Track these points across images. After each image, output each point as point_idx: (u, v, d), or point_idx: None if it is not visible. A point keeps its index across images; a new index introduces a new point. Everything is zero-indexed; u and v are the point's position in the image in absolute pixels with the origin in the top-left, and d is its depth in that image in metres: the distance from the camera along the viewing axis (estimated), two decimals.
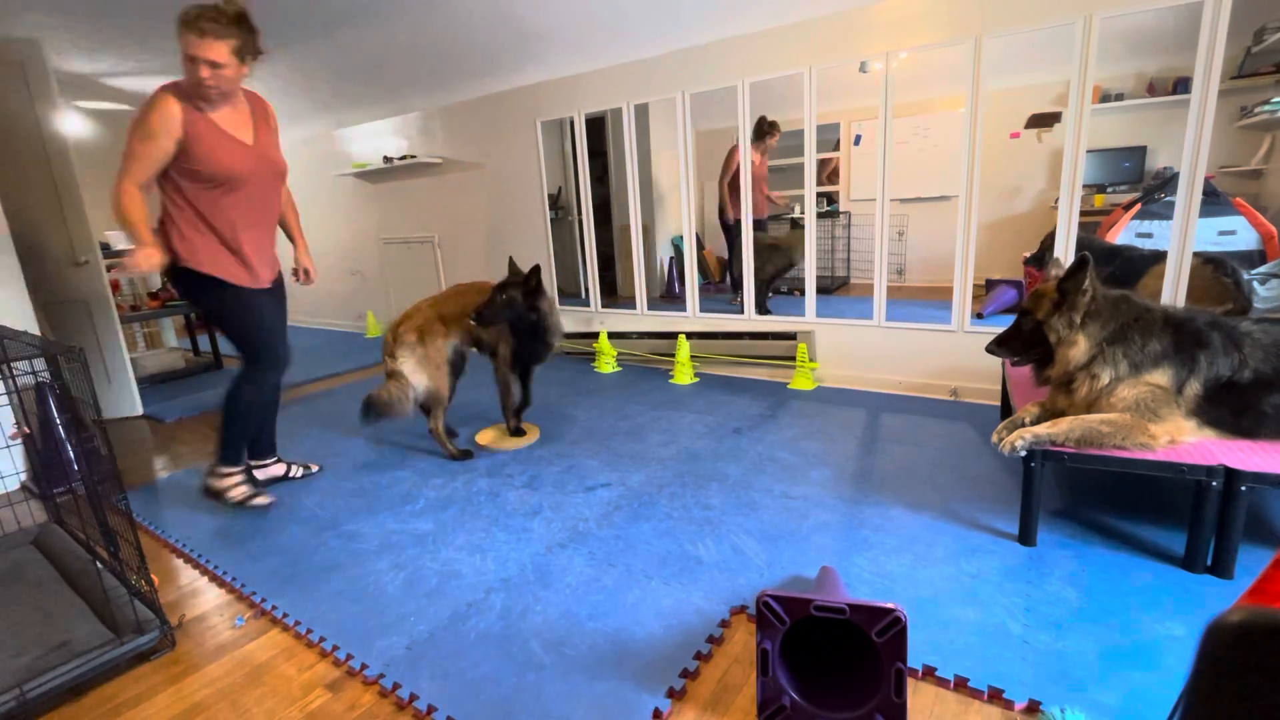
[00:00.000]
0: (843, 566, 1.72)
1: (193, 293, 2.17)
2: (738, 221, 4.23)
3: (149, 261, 1.99)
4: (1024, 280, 3.64)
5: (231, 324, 2.20)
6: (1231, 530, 1.53)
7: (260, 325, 2.20)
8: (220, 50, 1.92)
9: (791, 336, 3.48)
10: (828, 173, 5.37)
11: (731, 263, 4.40)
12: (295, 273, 2.48)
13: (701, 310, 3.84)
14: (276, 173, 2.26)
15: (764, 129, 4.05)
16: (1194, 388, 1.61)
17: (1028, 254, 3.52)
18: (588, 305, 4.34)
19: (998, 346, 1.86)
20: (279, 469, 2.54)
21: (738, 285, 4.14)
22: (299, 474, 2.57)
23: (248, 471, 2.37)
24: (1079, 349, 1.68)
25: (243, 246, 2.14)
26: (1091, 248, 2.88)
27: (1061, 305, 1.70)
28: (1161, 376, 1.62)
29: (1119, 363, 1.65)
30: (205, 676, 1.48)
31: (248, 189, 2.13)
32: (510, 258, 2.68)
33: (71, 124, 6.02)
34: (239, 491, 2.29)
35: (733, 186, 4.15)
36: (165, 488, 2.59)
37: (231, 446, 2.28)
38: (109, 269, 3.42)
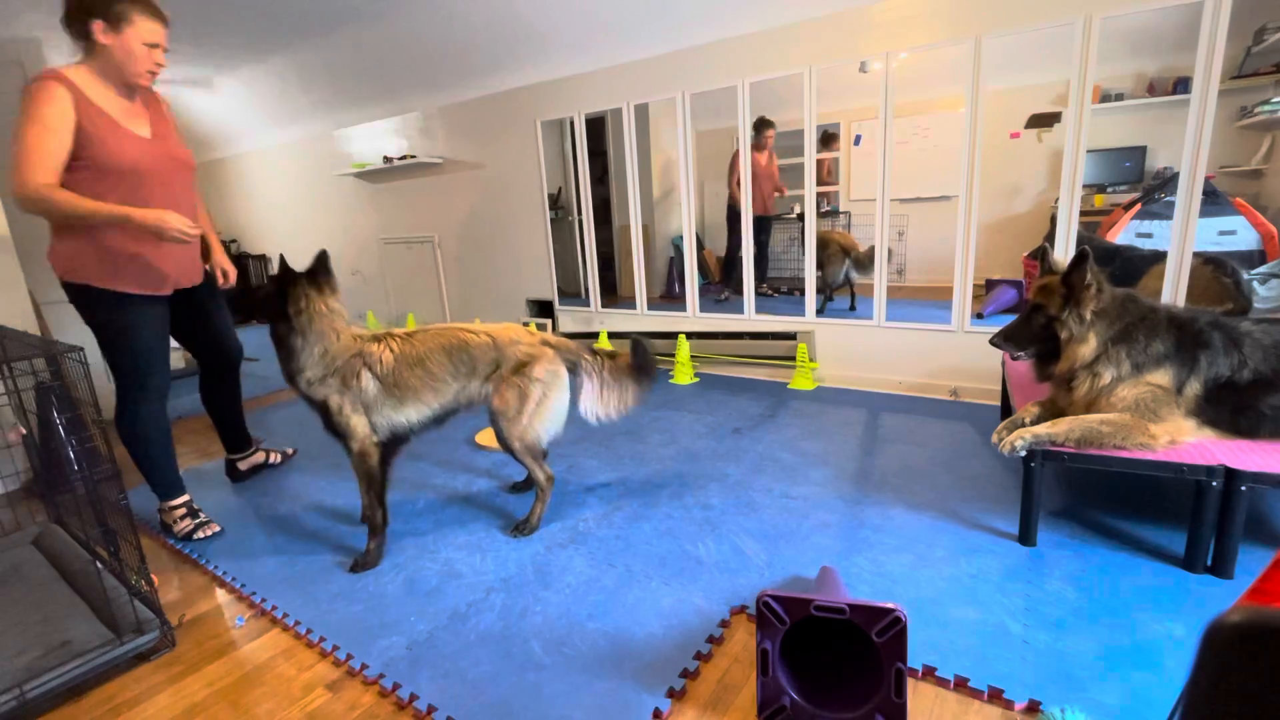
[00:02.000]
0: (843, 566, 1.72)
1: (90, 308, 1.95)
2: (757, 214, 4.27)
3: (184, 221, 1.80)
4: (1024, 280, 3.63)
5: (123, 341, 1.98)
6: (1231, 530, 1.53)
7: (151, 344, 2.01)
8: (165, 34, 1.87)
9: (791, 336, 3.48)
10: (824, 171, 5.37)
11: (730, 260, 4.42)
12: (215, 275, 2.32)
13: (701, 310, 3.84)
14: (183, 165, 2.04)
15: (756, 128, 4.06)
16: (1194, 388, 1.61)
17: (1028, 253, 3.52)
18: (588, 305, 4.34)
19: (1004, 340, 1.85)
20: (259, 457, 2.64)
21: (734, 282, 4.16)
22: (277, 459, 2.68)
23: (189, 505, 2.21)
24: (1089, 347, 1.68)
25: (151, 250, 1.93)
26: (1091, 247, 2.89)
27: (1069, 300, 1.69)
28: (1163, 377, 1.62)
29: (1122, 362, 1.64)
30: (205, 676, 1.48)
31: (150, 185, 1.90)
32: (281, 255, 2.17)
33: None
34: (181, 526, 2.15)
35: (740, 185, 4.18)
36: None
37: (157, 478, 2.14)
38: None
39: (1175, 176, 2.46)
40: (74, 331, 3.34)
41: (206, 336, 2.29)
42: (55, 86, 1.74)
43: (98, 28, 1.76)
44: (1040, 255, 1.88)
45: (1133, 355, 1.64)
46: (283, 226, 6.44)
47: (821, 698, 1.20)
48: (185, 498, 2.19)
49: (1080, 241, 2.67)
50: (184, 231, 1.79)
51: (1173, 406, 1.62)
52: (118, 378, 2.02)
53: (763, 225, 4.42)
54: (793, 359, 3.43)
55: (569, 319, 4.49)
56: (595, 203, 4.32)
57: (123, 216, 1.75)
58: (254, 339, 5.96)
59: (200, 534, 2.15)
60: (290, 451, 2.78)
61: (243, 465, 2.60)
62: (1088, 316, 1.68)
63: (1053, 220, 2.81)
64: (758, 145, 4.11)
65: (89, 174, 1.80)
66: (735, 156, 4.18)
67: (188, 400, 3.88)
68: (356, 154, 5.38)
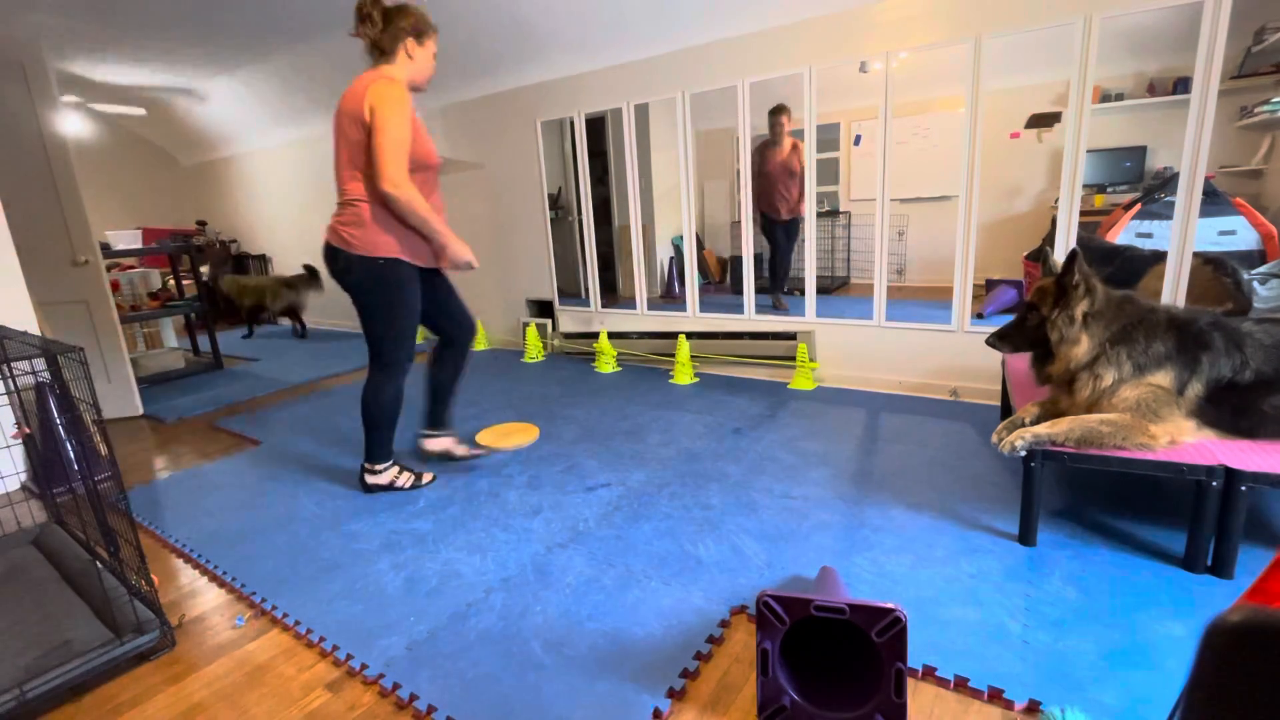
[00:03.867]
0: (843, 566, 1.72)
1: (374, 283, 2.13)
2: (778, 222, 4.13)
3: (470, 252, 2.17)
4: (1024, 280, 3.64)
5: (398, 313, 2.17)
6: (1231, 530, 1.53)
7: (416, 321, 2.25)
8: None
9: (791, 336, 3.48)
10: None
11: (775, 263, 4.29)
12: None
13: (701, 310, 3.84)
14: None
15: (770, 116, 3.90)
16: (1196, 389, 1.61)
17: (1028, 252, 3.52)
18: (588, 305, 4.34)
19: (998, 340, 1.85)
20: (448, 443, 2.56)
21: (779, 285, 4.10)
22: (464, 453, 2.59)
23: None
24: (1081, 348, 1.68)
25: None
26: (1091, 247, 2.89)
27: (1061, 301, 1.70)
28: (1164, 377, 1.62)
29: (1123, 364, 1.64)
30: (205, 676, 1.48)
31: (432, 182, 2.19)
32: None
33: (71, 124, 6.04)
34: (403, 480, 2.37)
35: (764, 181, 4.06)
36: (165, 488, 2.59)
37: (381, 445, 2.34)
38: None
39: (1175, 176, 2.46)
40: (74, 332, 3.36)
41: (452, 309, 2.41)
42: (400, 83, 2.03)
43: (410, 43, 2.08)
44: (1040, 257, 1.88)
45: (1133, 356, 1.64)
46: (283, 226, 6.44)
47: (821, 698, 1.20)
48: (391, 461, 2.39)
49: (1080, 243, 2.67)
50: (472, 265, 2.18)
51: (1174, 407, 1.62)
52: (385, 352, 2.21)
53: (790, 229, 4.23)
54: (793, 359, 3.43)
55: (569, 319, 4.49)
56: (595, 203, 4.32)
57: (442, 234, 2.11)
58: (256, 338, 5.97)
59: (425, 479, 2.40)
60: (483, 452, 2.65)
61: (431, 445, 2.55)
62: (1078, 317, 1.68)
63: (1053, 221, 2.81)
64: (772, 139, 4.00)
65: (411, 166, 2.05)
66: (760, 152, 3.98)
67: (188, 400, 3.88)
68: None
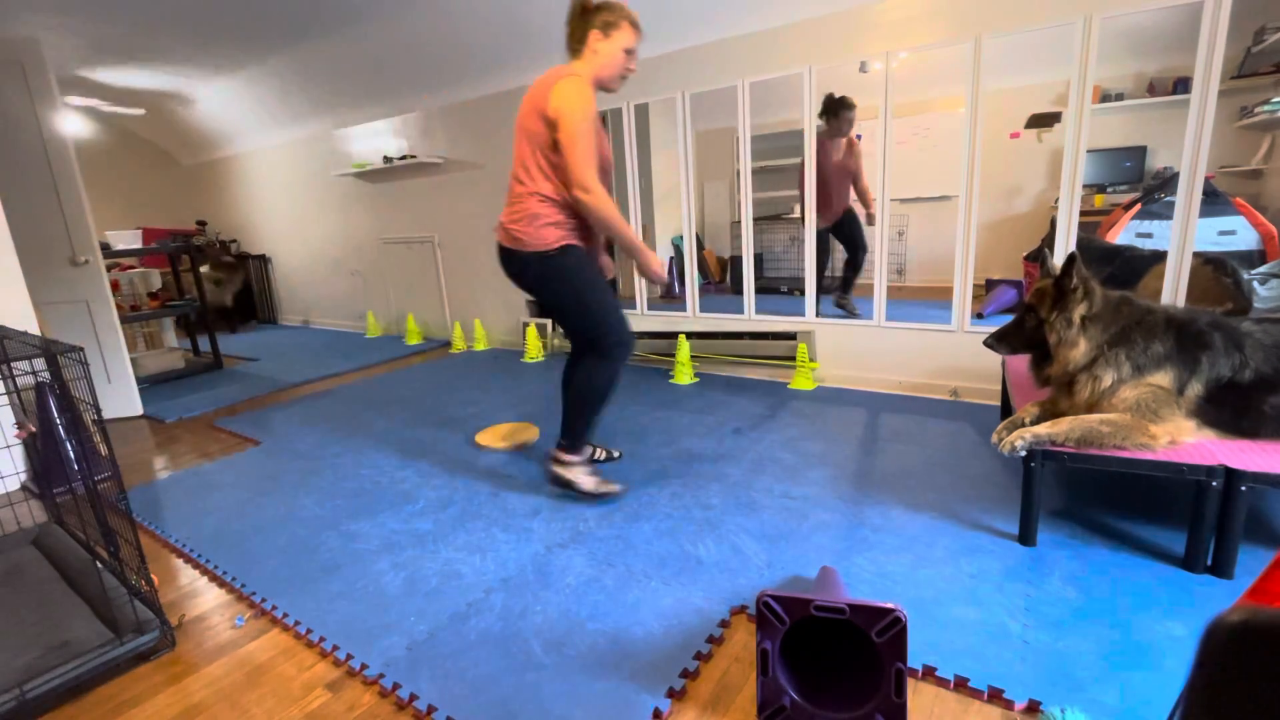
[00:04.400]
0: (843, 566, 1.72)
1: (555, 273, 2.02)
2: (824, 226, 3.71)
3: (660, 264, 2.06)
4: (1024, 280, 3.63)
5: (587, 294, 2.04)
6: (1231, 530, 1.53)
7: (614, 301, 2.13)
8: (638, 42, 2.01)
9: (791, 336, 3.48)
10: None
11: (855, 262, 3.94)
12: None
13: (701, 310, 3.84)
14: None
15: (831, 110, 3.40)
16: (1195, 389, 1.61)
17: (1027, 252, 3.51)
18: None
19: (996, 341, 1.85)
20: (576, 472, 2.25)
21: (848, 285, 3.89)
22: (602, 455, 2.48)
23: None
24: (1079, 350, 1.68)
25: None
26: (1091, 248, 2.89)
27: (1059, 304, 1.70)
28: (1164, 378, 1.62)
29: (1121, 365, 1.64)
30: (205, 676, 1.48)
31: (606, 184, 2.05)
32: None
33: (71, 124, 6.04)
34: (586, 483, 2.16)
35: (819, 184, 3.44)
36: (165, 488, 2.59)
37: (583, 430, 2.16)
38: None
39: (1175, 176, 2.46)
40: (74, 332, 3.36)
41: None
42: (585, 81, 1.89)
43: (596, 35, 1.94)
44: (1039, 259, 1.88)
45: (1132, 357, 1.64)
46: (283, 226, 6.44)
47: (821, 698, 1.20)
48: (589, 452, 2.26)
49: (1079, 244, 2.67)
50: (663, 279, 2.09)
51: (1174, 407, 1.62)
52: (599, 338, 2.05)
53: (839, 230, 3.92)
54: (793, 359, 3.43)
55: None
56: None
57: (634, 241, 2.00)
58: (256, 338, 5.97)
59: (605, 489, 2.16)
60: (616, 454, 2.51)
61: (556, 469, 2.22)
62: (1076, 320, 1.68)
63: (1052, 222, 2.81)
64: (835, 130, 3.55)
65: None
66: (818, 150, 3.30)
67: (188, 400, 3.88)
68: (356, 154, 5.39)
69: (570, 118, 1.83)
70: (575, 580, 1.74)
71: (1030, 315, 1.77)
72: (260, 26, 4.04)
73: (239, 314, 6.56)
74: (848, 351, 3.34)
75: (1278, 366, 1.56)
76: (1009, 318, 1.87)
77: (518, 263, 2.02)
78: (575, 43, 1.98)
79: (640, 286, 4.03)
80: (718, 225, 5.63)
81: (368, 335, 5.73)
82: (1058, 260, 2.68)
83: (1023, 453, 1.69)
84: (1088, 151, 2.55)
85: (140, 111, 5.95)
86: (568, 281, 2.02)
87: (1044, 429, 1.67)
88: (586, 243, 2.07)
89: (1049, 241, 2.81)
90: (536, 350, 4.37)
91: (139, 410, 3.65)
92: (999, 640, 1.40)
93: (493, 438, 2.83)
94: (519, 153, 1.99)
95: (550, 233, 1.97)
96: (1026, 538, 1.76)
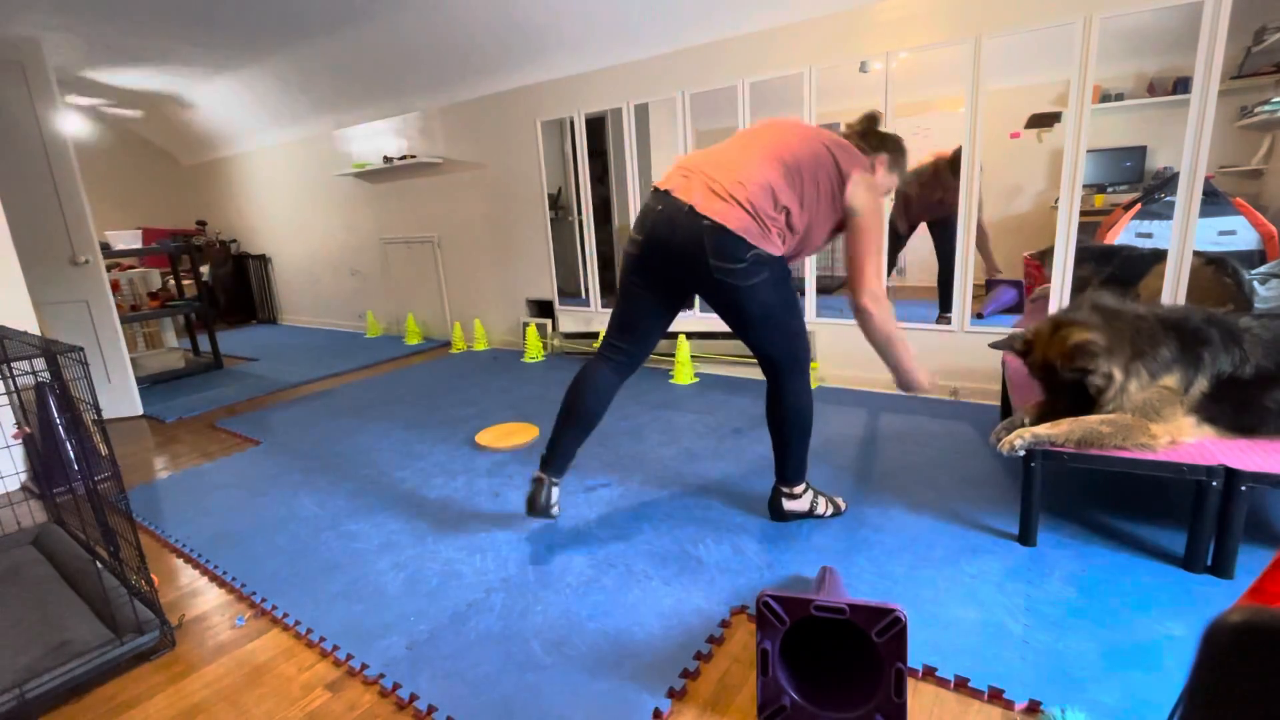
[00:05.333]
0: (843, 566, 1.72)
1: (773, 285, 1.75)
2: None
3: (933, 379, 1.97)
4: (1024, 280, 3.63)
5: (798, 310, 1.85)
6: (1231, 530, 1.53)
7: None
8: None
9: None
10: None
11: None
12: None
13: (701, 310, 3.84)
14: None
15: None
16: (1201, 385, 1.61)
17: (1029, 252, 3.51)
18: (588, 305, 4.34)
19: (1040, 420, 1.76)
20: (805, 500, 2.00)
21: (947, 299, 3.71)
22: (827, 511, 2.00)
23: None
24: (1117, 380, 1.65)
25: None
26: (1089, 248, 2.89)
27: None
28: (1171, 379, 1.62)
29: (1140, 372, 1.63)
30: (205, 676, 1.48)
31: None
32: None
33: (71, 124, 6.04)
34: (824, 508, 1.98)
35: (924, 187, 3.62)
36: (165, 488, 2.59)
37: (800, 461, 1.95)
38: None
39: (1175, 176, 2.46)
40: (74, 332, 3.36)
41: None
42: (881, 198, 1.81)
43: (885, 161, 1.85)
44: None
45: (1148, 366, 1.63)
46: (283, 226, 6.44)
47: (821, 698, 1.20)
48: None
49: (1079, 249, 2.65)
50: (927, 390, 1.98)
51: (1177, 405, 1.62)
52: (796, 357, 1.83)
53: (938, 232, 3.80)
54: None
55: (569, 319, 4.49)
56: (595, 203, 4.32)
57: (908, 358, 1.88)
58: (256, 338, 5.97)
59: (833, 508, 2.00)
60: (842, 505, 2.04)
61: (790, 505, 1.97)
62: (1115, 374, 1.64)
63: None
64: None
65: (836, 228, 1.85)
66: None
67: (188, 400, 3.88)
68: (356, 154, 5.39)
69: (872, 225, 1.75)
70: (575, 580, 1.74)
71: (1065, 393, 1.71)
72: (260, 26, 4.04)
73: (233, 308, 6.60)
74: (848, 351, 3.34)
75: (1278, 361, 1.56)
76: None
77: (731, 249, 1.64)
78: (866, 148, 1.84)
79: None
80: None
81: (368, 335, 5.73)
82: (1058, 261, 2.68)
83: (1021, 452, 1.68)
84: (1088, 151, 2.56)
85: (139, 113, 5.95)
86: (784, 293, 1.76)
87: (1043, 429, 1.67)
88: None
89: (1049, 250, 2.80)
90: (536, 350, 4.37)
91: (139, 410, 3.65)
92: (999, 640, 1.40)
93: (493, 438, 2.83)
94: (769, 169, 1.68)
95: (775, 242, 1.71)
96: (1026, 538, 1.76)
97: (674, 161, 1.82)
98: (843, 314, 3.36)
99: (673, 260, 1.71)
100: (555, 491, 1.93)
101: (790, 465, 1.93)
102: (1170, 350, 1.62)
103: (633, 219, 3.96)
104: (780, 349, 1.81)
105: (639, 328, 1.86)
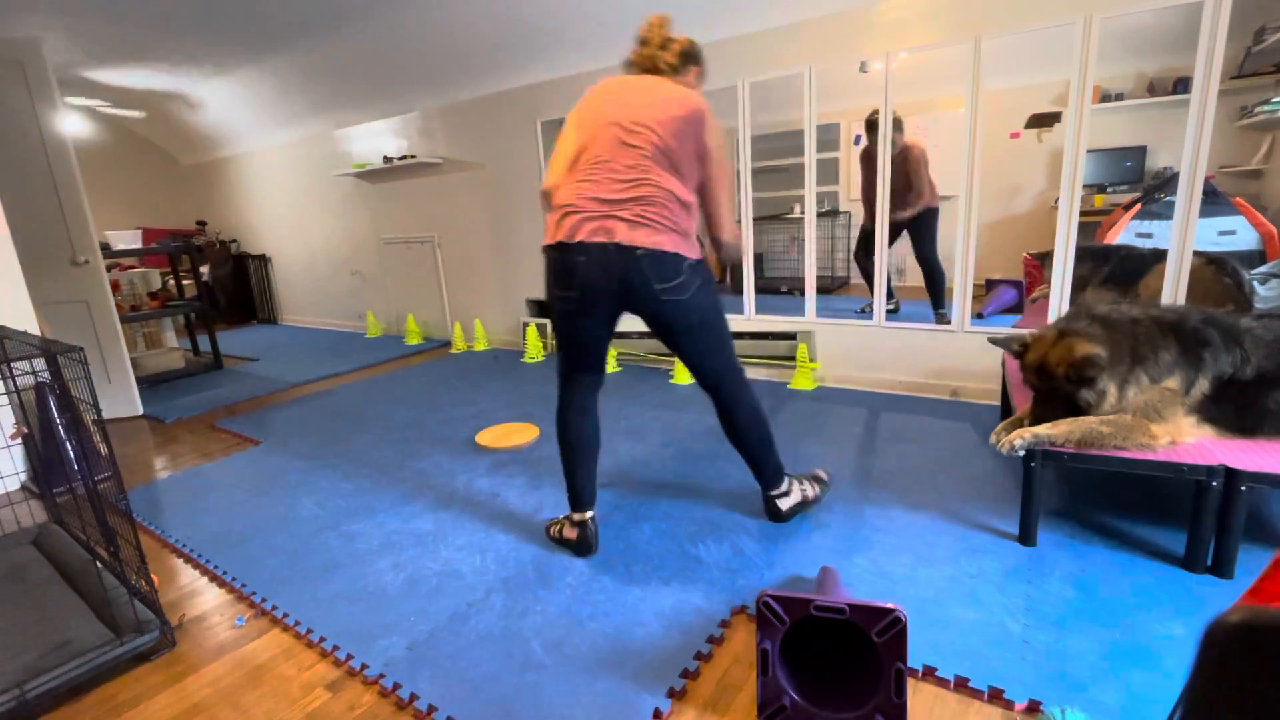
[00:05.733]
0: (843, 566, 1.72)
1: (707, 290, 1.77)
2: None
3: None
4: (1024, 280, 3.64)
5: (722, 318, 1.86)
6: (1231, 530, 1.53)
7: None
8: None
9: (791, 336, 3.48)
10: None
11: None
12: None
13: None
14: None
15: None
16: (1202, 386, 1.61)
17: (1029, 252, 3.52)
18: None
19: (1036, 422, 1.76)
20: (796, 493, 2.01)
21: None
22: (816, 492, 2.04)
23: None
24: (1111, 397, 1.65)
25: None
26: (1088, 248, 2.89)
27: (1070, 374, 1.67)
28: (1173, 381, 1.62)
29: (1140, 379, 1.64)
30: (205, 676, 1.48)
31: None
32: None
33: (71, 124, 6.04)
34: (812, 492, 2.01)
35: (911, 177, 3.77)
36: (165, 488, 2.59)
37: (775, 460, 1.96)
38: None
39: (1175, 176, 2.46)
40: (74, 332, 3.36)
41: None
42: None
43: (694, 73, 1.85)
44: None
45: (1149, 371, 1.63)
46: (283, 226, 6.44)
47: (821, 698, 1.20)
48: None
49: (1078, 250, 2.66)
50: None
51: (1177, 406, 1.62)
52: (734, 364, 1.89)
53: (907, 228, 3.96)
54: (793, 359, 3.43)
55: None
56: None
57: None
58: (256, 338, 5.97)
59: (820, 487, 2.03)
60: (824, 476, 2.09)
61: (784, 504, 1.98)
62: (1111, 389, 1.64)
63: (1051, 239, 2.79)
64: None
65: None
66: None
67: (188, 400, 3.88)
68: (356, 154, 5.39)
69: (720, 156, 1.73)
70: (575, 580, 1.74)
71: (1060, 402, 1.71)
72: (260, 27, 4.04)
73: (233, 308, 6.63)
74: (848, 351, 3.34)
75: (1279, 362, 1.56)
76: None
77: (670, 268, 1.65)
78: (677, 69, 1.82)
79: None
80: None
81: (368, 335, 5.73)
82: (1058, 261, 2.68)
83: (1021, 452, 1.68)
84: (1088, 151, 2.55)
85: (140, 114, 5.95)
86: (714, 297, 1.77)
87: (1044, 429, 1.67)
88: None
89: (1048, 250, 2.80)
90: (537, 350, 4.37)
91: (139, 410, 3.65)
92: (999, 640, 1.40)
93: (493, 438, 2.83)
94: (638, 150, 1.67)
95: (694, 244, 1.74)
96: (1026, 538, 1.76)
97: (554, 198, 1.76)
98: (843, 314, 3.37)
99: (615, 296, 1.70)
100: (595, 521, 1.91)
101: (768, 470, 1.95)
102: (1170, 353, 1.62)
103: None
104: (720, 360, 1.84)
105: (593, 352, 1.85)
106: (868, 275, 3.99)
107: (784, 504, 1.97)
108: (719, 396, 1.91)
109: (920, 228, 3.88)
